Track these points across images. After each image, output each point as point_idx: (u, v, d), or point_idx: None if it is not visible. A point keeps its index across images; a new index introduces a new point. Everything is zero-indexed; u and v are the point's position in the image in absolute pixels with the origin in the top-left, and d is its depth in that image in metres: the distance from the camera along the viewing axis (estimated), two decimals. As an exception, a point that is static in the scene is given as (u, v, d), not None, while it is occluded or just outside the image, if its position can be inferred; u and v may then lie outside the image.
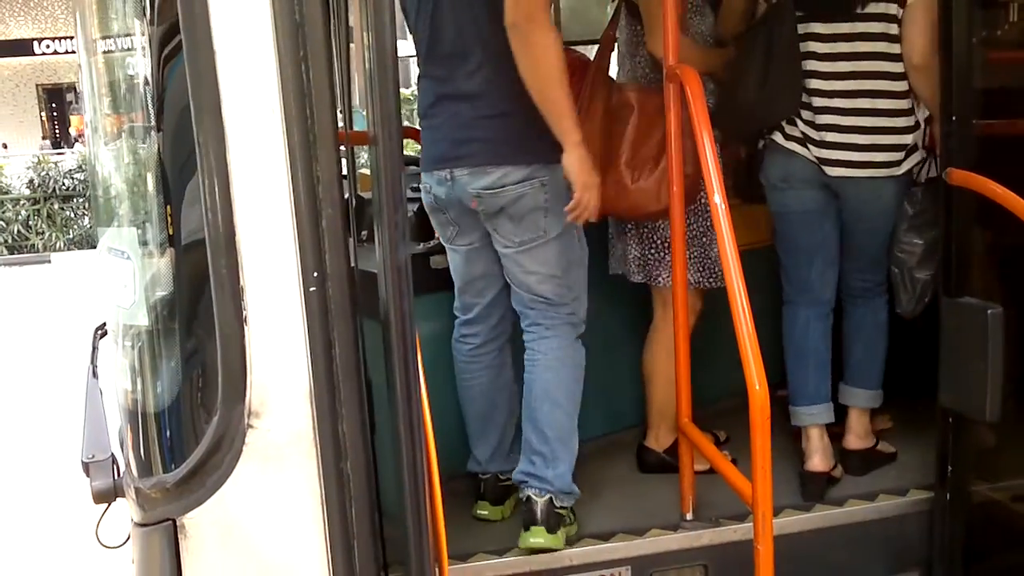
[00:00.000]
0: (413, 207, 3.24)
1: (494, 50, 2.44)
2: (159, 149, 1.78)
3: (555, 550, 2.61)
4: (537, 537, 2.59)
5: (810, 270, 2.99)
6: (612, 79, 3.00)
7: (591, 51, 3.97)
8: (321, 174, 1.69)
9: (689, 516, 2.74)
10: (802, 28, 2.80)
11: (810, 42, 2.80)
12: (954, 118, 2.54)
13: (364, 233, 3.02)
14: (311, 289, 1.70)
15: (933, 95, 2.66)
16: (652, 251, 2.98)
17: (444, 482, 1.98)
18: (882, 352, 3.03)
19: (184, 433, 1.85)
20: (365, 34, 1.73)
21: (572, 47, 4.36)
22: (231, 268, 1.67)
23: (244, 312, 1.69)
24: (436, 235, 3.23)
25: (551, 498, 2.62)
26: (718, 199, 2.35)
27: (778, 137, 2.92)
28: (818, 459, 2.92)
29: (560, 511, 2.63)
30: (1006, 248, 2.70)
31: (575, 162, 2.47)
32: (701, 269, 2.99)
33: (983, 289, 2.56)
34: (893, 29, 2.72)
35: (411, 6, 2.66)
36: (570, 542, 2.67)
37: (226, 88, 1.63)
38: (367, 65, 1.74)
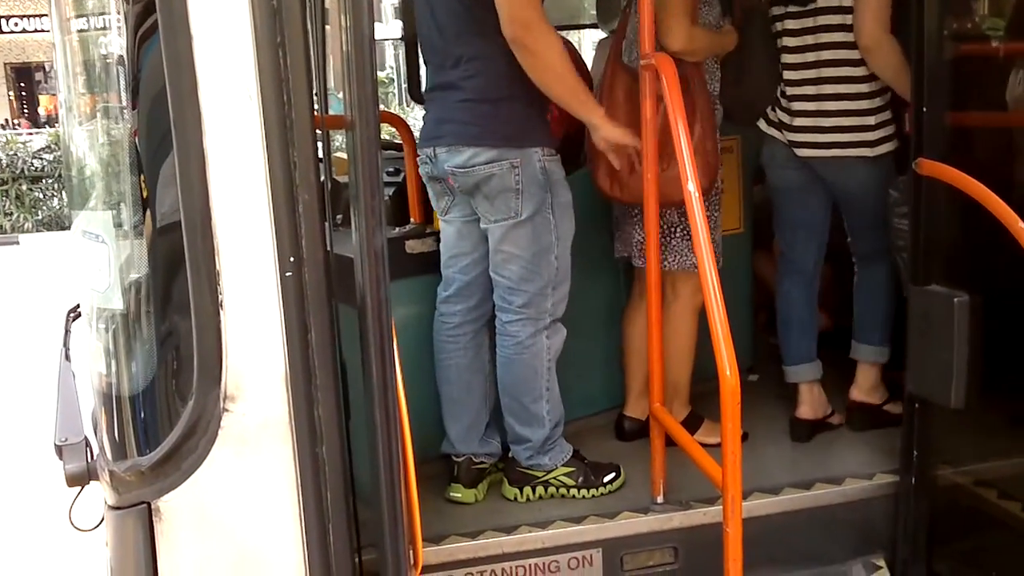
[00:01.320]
0: (389, 191, 3.25)
1: (473, 50, 2.65)
2: (134, 132, 1.77)
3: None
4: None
5: (793, 241, 3.29)
6: (629, 67, 3.00)
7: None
8: (297, 159, 1.69)
9: (660, 499, 2.77)
10: (779, 26, 3.11)
11: (785, 38, 3.09)
12: (924, 109, 2.58)
13: (339, 217, 3.03)
14: (287, 274, 1.70)
15: (894, 76, 2.90)
16: (659, 236, 2.99)
17: (418, 465, 1.99)
18: (882, 311, 3.20)
19: (159, 417, 1.85)
20: (342, 16, 1.73)
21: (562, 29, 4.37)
22: (207, 253, 1.67)
23: (220, 297, 1.69)
24: (411, 220, 3.25)
25: (514, 458, 2.88)
26: (692, 187, 2.37)
27: (761, 124, 3.22)
28: (805, 408, 3.25)
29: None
30: (975, 237, 2.75)
31: (605, 137, 2.71)
32: None
33: (950, 277, 2.61)
34: (848, 20, 2.95)
35: (418, 5, 2.86)
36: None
37: (203, 72, 1.63)
38: (344, 47, 1.74)
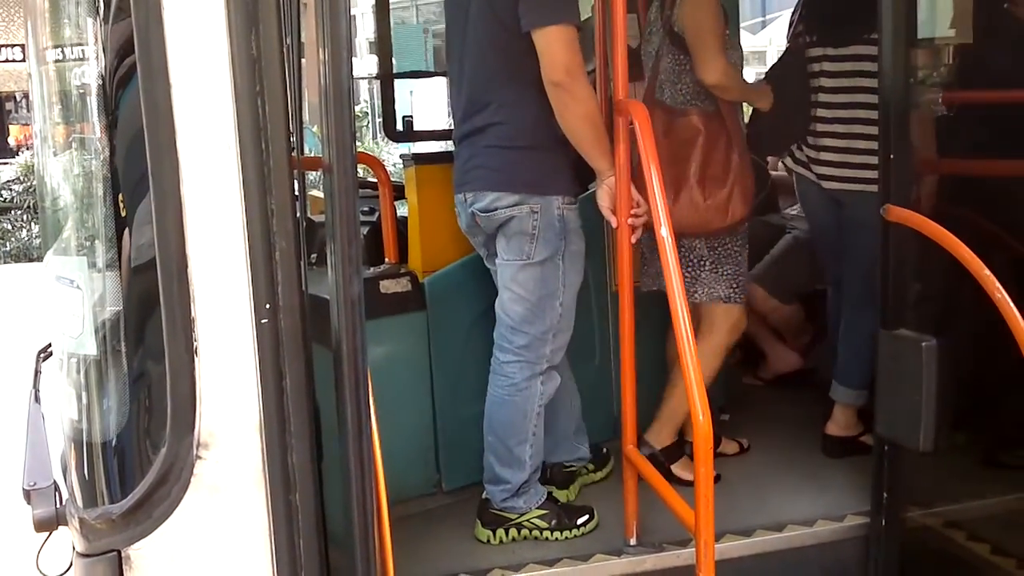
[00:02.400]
0: (364, 230, 3.25)
1: (502, 97, 2.74)
2: (112, 179, 1.77)
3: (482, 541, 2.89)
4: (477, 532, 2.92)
5: (839, 270, 3.45)
6: (667, 104, 3.07)
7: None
8: (275, 206, 1.69)
9: (633, 541, 2.77)
10: (817, 67, 3.29)
11: (822, 79, 3.28)
12: (892, 156, 2.63)
13: (314, 256, 3.03)
14: (263, 321, 1.70)
15: None
16: (688, 269, 3.06)
17: (391, 507, 1.99)
18: (866, 357, 3.17)
19: (131, 464, 1.84)
20: (320, 50, 1.74)
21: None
22: (182, 299, 1.67)
23: (195, 343, 1.68)
24: (386, 259, 3.25)
25: (488, 499, 2.92)
26: (664, 232, 2.39)
27: (788, 161, 3.45)
28: (833, 426, 3.39)
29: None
30: (942, 282, 2.80)
31: (611, 186, 2.71)
32: (734, 285, 3.10)
33: (918, 321, 2.65)
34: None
35: (449, 53, 2.95)
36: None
37: (181, 121, 1.64)
38: (322, 81, 1.74)
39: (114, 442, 1.85)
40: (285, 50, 1.73)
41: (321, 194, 3.81)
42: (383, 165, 3.55)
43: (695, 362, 2.27)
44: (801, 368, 4.05)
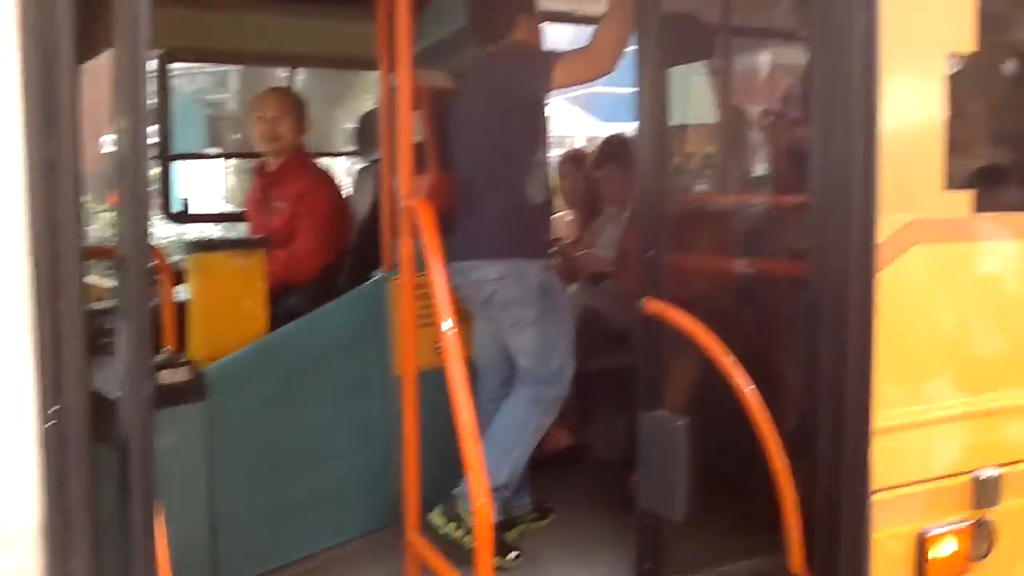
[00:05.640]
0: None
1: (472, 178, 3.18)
2: None
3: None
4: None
5: None
6: None
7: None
8: (64, 309, 1.67)
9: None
10: None
11: None
12: (651, 253, 2.90)
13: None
14: (48, 424, 1.66)
15: None
16: None
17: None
18: None
19: None
20: (119, 118, 1.75)
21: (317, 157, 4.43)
22: (-39, 404, 1.61)
23: (-26, 449, 1.62)
24: (162, 347, 3.17)
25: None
26: (446, 325, 2.51)
27: None
28: None
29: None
30: (694, 367, 3.10)
31: None
32: None
33: (675, 403, 2.90)
34: None
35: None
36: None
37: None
38: (120, 167, 1.75)
39: None
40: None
41: (96, 281, 3.66)
42: (160, 251, 3.48)
43: (475, 447, 2.38)
44: (571, 445, 4.25)
